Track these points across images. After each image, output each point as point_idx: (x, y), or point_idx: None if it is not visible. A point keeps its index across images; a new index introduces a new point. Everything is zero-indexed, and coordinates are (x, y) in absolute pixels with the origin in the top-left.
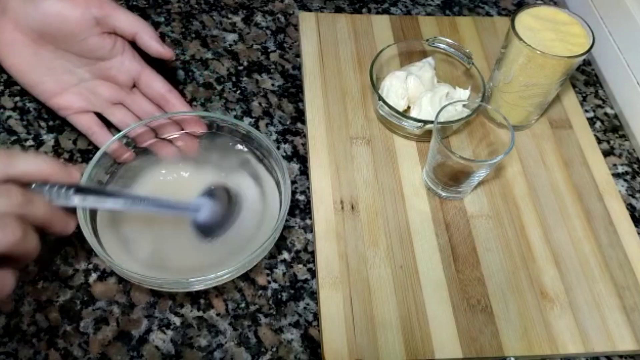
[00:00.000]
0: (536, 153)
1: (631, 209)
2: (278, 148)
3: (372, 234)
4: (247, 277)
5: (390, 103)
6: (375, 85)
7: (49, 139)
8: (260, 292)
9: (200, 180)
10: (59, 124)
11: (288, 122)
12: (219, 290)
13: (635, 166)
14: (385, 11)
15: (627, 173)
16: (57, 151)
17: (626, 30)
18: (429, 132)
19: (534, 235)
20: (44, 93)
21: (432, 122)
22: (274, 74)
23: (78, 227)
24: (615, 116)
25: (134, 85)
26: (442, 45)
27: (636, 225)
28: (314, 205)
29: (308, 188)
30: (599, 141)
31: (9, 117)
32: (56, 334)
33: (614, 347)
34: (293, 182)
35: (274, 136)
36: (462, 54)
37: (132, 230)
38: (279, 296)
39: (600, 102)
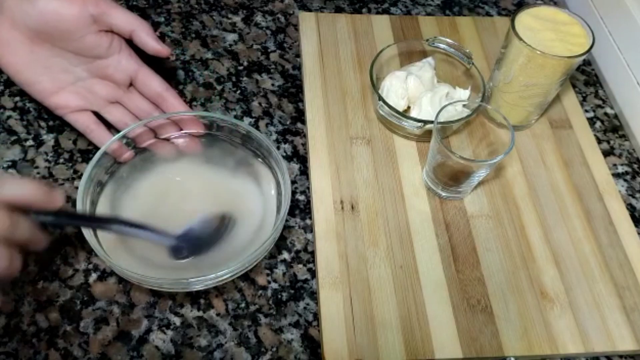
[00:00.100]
0: (536, 153)
1: (631, 209)
2: (278, 148)
3: (372, 234)
4: (247, 277)
5: (390, 103)
6: (375, 85)
7: (49, 138)
8: (260, 292)
9: (200, 181)
10: (59, 124)
11: (288, 122)
12: (219, 290)
13: (635, 166)
14: (385, 11)
15: (627, 173)
16: (57, 151)
17: (626, 30)
18: (429, 132)
19: (534, 235)
20: (41, 92)
21: (432, 122)
22: (274, 74)
23: (78, 227)
24: (615, 116)
25: (131, 84)
26: (442, 45)
27: (636, 225)
28: (314, 205)
29: (308, 188)
30: (599, 141)
31: (9, 117)
32: (56, 334)
33: (614, 347)
34: (293, 182)
35: (274, 136)
36: (462, 54)
37: None
38: (279, 296)
39: (600, 102)
